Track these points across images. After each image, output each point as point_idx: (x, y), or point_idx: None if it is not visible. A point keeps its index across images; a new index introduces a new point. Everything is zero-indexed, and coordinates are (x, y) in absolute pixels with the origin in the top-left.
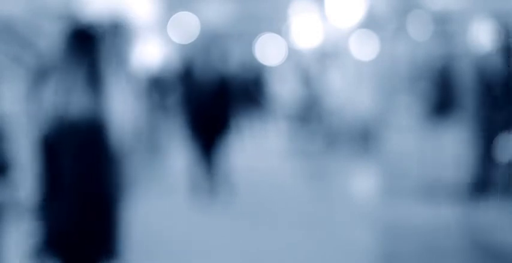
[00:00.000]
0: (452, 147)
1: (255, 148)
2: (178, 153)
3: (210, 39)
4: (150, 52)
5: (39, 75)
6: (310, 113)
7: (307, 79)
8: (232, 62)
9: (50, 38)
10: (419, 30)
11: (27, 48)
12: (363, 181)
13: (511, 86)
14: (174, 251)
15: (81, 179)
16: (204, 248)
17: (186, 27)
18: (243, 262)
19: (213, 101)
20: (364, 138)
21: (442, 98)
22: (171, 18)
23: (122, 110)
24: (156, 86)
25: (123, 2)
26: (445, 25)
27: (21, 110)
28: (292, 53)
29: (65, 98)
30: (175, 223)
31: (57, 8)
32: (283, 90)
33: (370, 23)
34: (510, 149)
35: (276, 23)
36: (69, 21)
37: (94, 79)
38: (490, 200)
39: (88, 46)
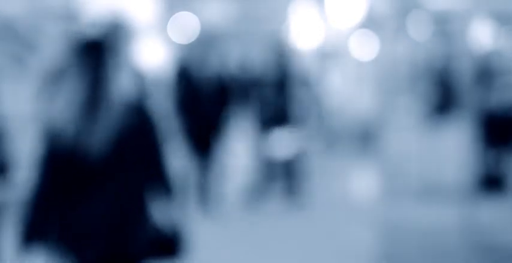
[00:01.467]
0: (452, 147)
1: None
2: (174, 156)
3: (207, 40)
4: (150, 52)
5: (51, 78)
6: (310, 113)
7: (307, 79)
8: (232, 62)
9: (51, 39)
10: (419, 30)
11: (28, 48)
12: (363, 181)
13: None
14: None
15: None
16: (201, 249)
17: (186, 27)
18: (242, 260)
19: (211, 102)
20: (364, 138)
21: (442, 98)
22: (171, 18)
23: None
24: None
25: (123, 2)
26: (445, 25)
27: (24, 110)
28: (292, 53)
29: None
30: None
31: (57, 8)
32: None
33: (370, 23)
34: (285, 144)
35: (276, 23)
36: (76, 30)
37: (97, 87)
38: (494, 199)
39: (94, 55)
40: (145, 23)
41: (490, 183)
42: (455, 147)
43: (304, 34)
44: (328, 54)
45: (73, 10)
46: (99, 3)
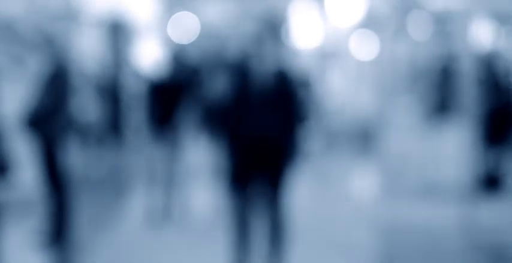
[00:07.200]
0: (452, 147)
1: None
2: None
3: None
4: (150, 52)
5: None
6: (309, 113)
7: (307, 79)
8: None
9: (51, 39)
10: (419, 30)
11: (28, 48)
12: (363, 181)
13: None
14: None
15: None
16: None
17: (186, 27)
18: None
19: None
20: (364, 138)
21: (442, 98)
22: (171, 18)
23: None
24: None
25: (123, 2)
26: (445, 25)
27: (20, 110)
28: (292, 53)
29: None
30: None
31: (57, 8)
32: None
33: (370, 23)
34: None
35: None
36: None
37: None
38: (494, 199)
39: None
40: (146, 23)
41: (490, 183)
42: (455, 147)
43: (304, 34)
44: (328, 54)
45: (73, 10)
46: (99, 3)
